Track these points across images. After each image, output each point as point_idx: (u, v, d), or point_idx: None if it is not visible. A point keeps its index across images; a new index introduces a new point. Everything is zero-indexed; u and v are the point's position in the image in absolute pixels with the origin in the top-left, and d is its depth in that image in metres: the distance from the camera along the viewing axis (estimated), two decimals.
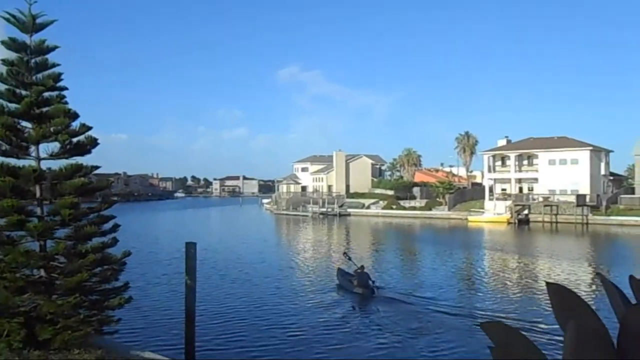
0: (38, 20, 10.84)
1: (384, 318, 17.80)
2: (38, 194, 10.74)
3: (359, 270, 21.72)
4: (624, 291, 1.01)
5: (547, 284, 0.99)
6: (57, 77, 10.91)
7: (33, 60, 10.86)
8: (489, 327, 1.02)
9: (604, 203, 59.57)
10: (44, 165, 10.91)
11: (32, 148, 10.79)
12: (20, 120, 10.78)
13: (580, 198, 59.01)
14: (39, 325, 9.74)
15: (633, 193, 63.25)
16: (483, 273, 29.50)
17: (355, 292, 20.94)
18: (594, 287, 22.55)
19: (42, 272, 10.48)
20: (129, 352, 10.63)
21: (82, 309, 10.41)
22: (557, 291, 0.99)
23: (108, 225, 11.40)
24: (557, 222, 58.91)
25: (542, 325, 15.00)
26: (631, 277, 0.94)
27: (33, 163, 10.73)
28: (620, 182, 72.64)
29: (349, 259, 23.93)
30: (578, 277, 26.79)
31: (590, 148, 64.77)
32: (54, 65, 10.92)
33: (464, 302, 20.21)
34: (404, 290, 21.81)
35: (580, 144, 65.81)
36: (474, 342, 13.79)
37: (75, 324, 9.83)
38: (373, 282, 21.22)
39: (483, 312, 18.21)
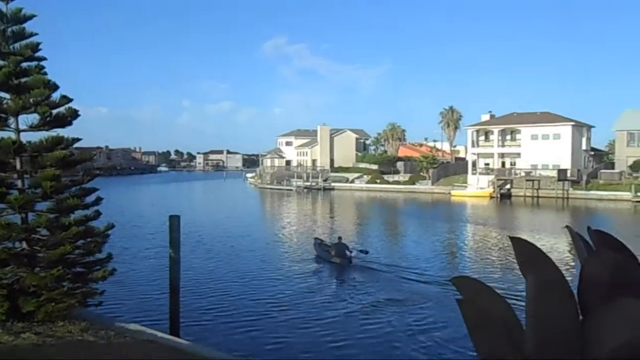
0: None
1: (359, 284, 18.42)
2: (18, 167, 10.61)
3: (336, 241, 22.20)
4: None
5: (511, 238, 1.03)
6: (35, 47, 10.69)
7: (10, 29, 10.61)
8: (458, 281, 1.07)
9: (585, 178, 60.44)
10: (24, 137, 10.76)
11: (11, 120, 10.61)
12: None
13: (562, 173, 59.77)
14: (22, 297, 9.72)
15: (613, 168, 64.21)
16: (463, 245, 29.98)
17: (333, 262, 21.40)
18: (568, 255, 23.00)
19: (24, 245, 10.42)
20: (114, 324, 10.66)
21: (66, 281, 10.39)
22: (520, 245, 1.03)
23: (91, 198, 11.33)
24: (538, 197, 59.70)
25: (518, 287, 15.29)
26: (589, 228, 0.99)
27: (12, 135, 10.57)
28: (601, 157, 73.62)
29: (365, 252, 22.43)
30: (554, 247, 27.31)
31: (572, 123, 65.37)
32: (31, 35, 10.68)
33: (439, 271, 20.67)
34: (384, 261, 22.24)
35: (563, 119, 66.38)
36: (443, 307, 14.35)
37: (58, 296, 9.83)
38: (350, 251, 21.61)
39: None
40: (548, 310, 0.94)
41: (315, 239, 25.01)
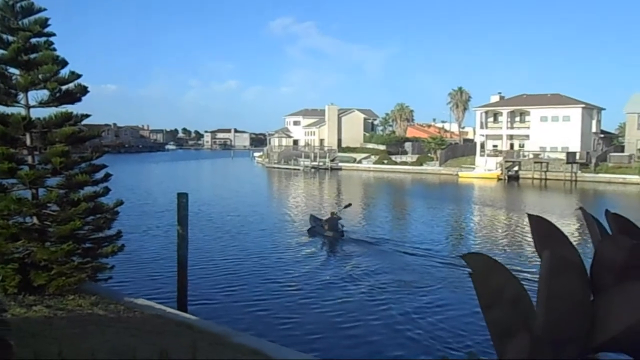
0: None
1: (367, 263, 18.98)
2: (28, 142, 10.69)
3: (330, 216, 23.49)
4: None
5: (529, 215, 1.04)
6: (44, 23, 10.68)
7: (18, 5, 10.59)
8: (470, 257, 1.08)
9: (594, 160, 60.04)
10: (34, 113, 10.81)
11: (21, 95, 10.67)
12: (7, 67, 10.60)
13: (570, 155, 59.37)
14: (34, 271, 9.88)
15: (623, 151, 63.68)
16: (470, 225, 30.00)
17: (326, 235, 22.68)
18: (577, 237, 22.96)
19: (35, 220, 10.55)
20: (123, 299, 10.82)
21: (76, 256, 10.54)
22: (537, 222, 1.04)
23: (99, 175, 11.42)
24: (546, 179, 59.42)
25: (526, 267, 15.17)
26: (606, 211, 1.00)
27: (22, 111, 10.62)
28: (611, 140, 73.00)
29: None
30: (563, 229, 27.21)
31: (583, 105, 64.71)
32: (40, 10, 10.66)
33: (446, 250, 20.84)
34: (389, 239, 22.77)
35: (573, 102, 65.69)
36: (449, 287, 14.60)
37: (69, 271, 9.98)
38: (342, 226, 22.98)
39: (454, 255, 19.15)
40: (561, 288, 0.96)
41: (311, 215, 26.18)
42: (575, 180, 57.57)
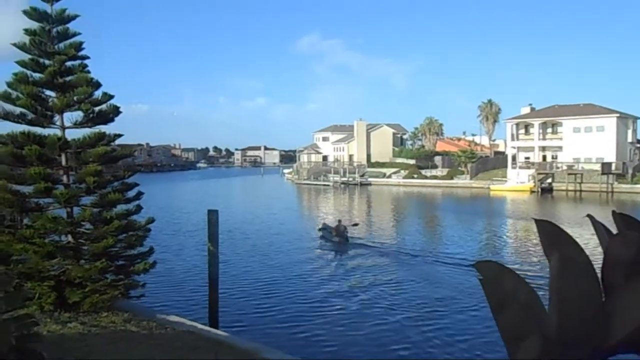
0: None
1: (383, 272, 20.15)
2: (64, 162, 10.99)
3: (338, 224, 26.34)
4: None
5: (535, 220, 1.05)
6: (79, 46, 11.05)
7: (55, 30, 10.99)
8: (480, 265, 1.09)
9: (630, 171, 58.48)
10: (69, 134, 11.14)
11: (57, 117, 11.02)
12: (44, 90, 10.97)
13: (606, 166, 58.00)
14: (69, 288, 10.10)
15: None
16: (501, 239, 29.44)
17: (333, 241, 25.50)
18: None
19: (70, 238, 10.81)
20: (155, 316, 10.95)
21: (109, 273, 10.75)
22: (544, 226, 1.04)
23: (132, 193, 11.65)
24: (581, 191, 58.08)
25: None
26: (613, 212, 1.00)
27: (58, 132, 10.95)
28: None
29: (354, 224, 29.12)
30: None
31: (617, 115, 63.26)
32: (74, 34, 11.05)
33: (470, 259, 20.52)
34: (422, 254, 22.72)
35: (607, 111, 64.30)
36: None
37: (102, 288, 10.17)
38: (347, 232, 25.86)
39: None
40: (571, 289, 0.96)
41: (323, 223, 29.17)
42: (612, 192, 56.13)
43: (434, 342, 12.37)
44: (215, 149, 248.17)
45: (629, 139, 65.58)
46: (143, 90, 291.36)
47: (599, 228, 1.07)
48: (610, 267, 0.98)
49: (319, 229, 27.95)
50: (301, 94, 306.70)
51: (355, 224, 29.17)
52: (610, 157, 60.59)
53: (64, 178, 11.05)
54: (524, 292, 1.04)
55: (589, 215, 1.17)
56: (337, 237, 25.35)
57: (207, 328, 11.03)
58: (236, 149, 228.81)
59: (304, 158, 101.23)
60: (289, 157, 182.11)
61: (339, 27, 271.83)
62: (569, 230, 1.07)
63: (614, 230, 1.02)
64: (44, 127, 10.96)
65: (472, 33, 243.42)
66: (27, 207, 10.61)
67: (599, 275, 1.03)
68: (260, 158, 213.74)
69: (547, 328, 0.99)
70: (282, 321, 13.87)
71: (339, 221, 26.83)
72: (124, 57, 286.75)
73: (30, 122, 10.77)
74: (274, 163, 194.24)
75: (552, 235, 1.03)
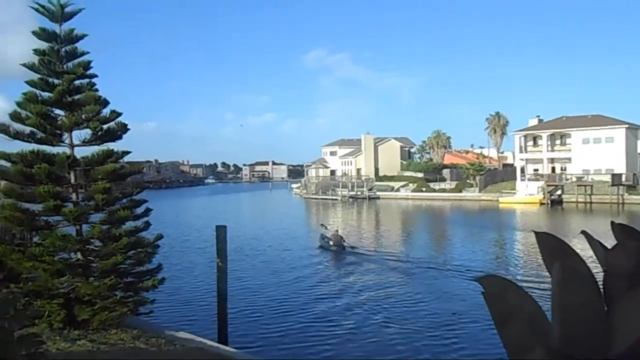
0: (66, 10, 11.07)
1: (350, 264, 23.89)
2: (72, 180, 11.06)
3: (334, 233, 28.71)
4: None
5: (536, 233, 1.05)
6: (87, 65, 11.16)
7: (63, 49, 11.12)
8: (484, 279, 1.09)
9: None
10: (77, 152, 11.22)
11: (66, 135, 11.09)
12: (53, 108, 11.08)
13: (616, 177, 57.63)
14: (78, 306, 10.10)
15: None
16: (512, 252, 29.19)
17: (331, 249, 27.51)
18: None
19: (79, 255, 10.83)
20: (164, 332, 10.93)
21: (118, 290, 10.74)
22: (544, 238, 1.04)
23: (140, 210, 11.69)
24: (591, 203, 57.70)
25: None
26: (612, 223, 1.00)
27: (67, 150, 11.04)
28: None
29: (326, 227, 31.90)
30: None
31: (626, 126, 62.98)
32: (83, 54, 11.17)
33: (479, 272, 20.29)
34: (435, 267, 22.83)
35: (616, 122, 64.04)
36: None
37: (111, 305, 10.16)
38: (344, 241, 27.99)
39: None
40: (572, 299, 0.95)
41: (321, 233, 30.47)
42: (623, 203, 55.72)
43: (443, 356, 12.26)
44: (224, 164, 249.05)
45: (639, 150, 65.18)
46: (151, 108, 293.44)
47: (594, 242, 1.07)
48: (611, 277, 0.97)
49: (320, 239, 29.72)
50: (309, 108, 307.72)
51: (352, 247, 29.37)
52: (620, 168, 60.21)
53: (73, 196, 11.11)
54: (528, 306, 1.04)
55: (583, 232, 1.17)
56: (335, 246, 27.48)
57: (217, 344, 10.98)
58: (244, 165, 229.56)
59: (312, 172, 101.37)
60: (297, 172, 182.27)
61: (345, 41, 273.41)
62: (578, 242, 1.07)
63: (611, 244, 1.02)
64: (53, 145, 11.04)
65: (479, 46, 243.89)
66: (36, 225, 10.67)
67: (601, 286, 1.03)
68: (269, 173, 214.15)
69: (550, 340, 0.98)
70: (291, 337, 13.79)
71: (336, 231, 29.47)
72: (132, 75, 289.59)
73: (39, 141, 10.85)
74: (282, 178, 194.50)
75: (552, 247, 1.03)
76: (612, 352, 0.93)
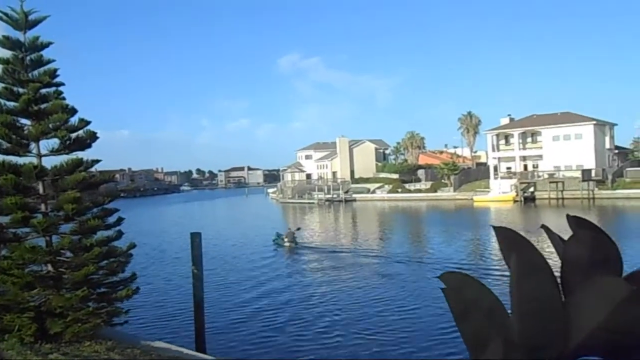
0: (31, 17, 10.85)
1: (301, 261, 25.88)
2: (41, 191, 10.83)
3: (288, 231, 31.11)
4: None
5: (494, 227, 1.05)
6: (53, 73, 10.95)
7: (28, 57, 10.89)
8: (445, 276, 1.09)
9: (610, 177, 59.38)
10: (46, 161, 10.99)
11: (33, 145, 10.86)
12: (19, 118, 10.83)
13: (586, 173, 58.85)
14: (49, 319, 9.88)
15: (639, 166, 62.95)
16: (486, 249, 29.56)
17: (285, 245, 29.96)
18: None
19: (50, 267, 10.60)
20: (139, 342, 10.76)
21: (91, 301, 10.55)
22: (502, 232, 1.04)
23: (112, 219, 11.49)
24: (563, 198, 58.80)
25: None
26: (567, 215, 1.00)
27: (34, 160, 10.80)
28: (626, 155, 72.28)
29: (298, 229, 33.35)
30: None
31: (594, 122, 64.40)
32: (49, 62, 10.95)
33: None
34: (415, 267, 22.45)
35: (584, 119, 65.44)
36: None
37: (84, 317, 9.97)
38: (296, 237, 30.68)
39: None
40: (530, 290, 0.95)
41: (276, 232, 32.80)
42: (593, 198, 56.90)
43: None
44: (199, 171, 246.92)
45: (607, 146, 66.73)
46: (124, 116, 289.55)
47: (553, 235, 1.08)
48: (567, 268, 0.97)
49: (273, 240, 31.66)
50: (285, 112, 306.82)
51: (298, 229, 32.92)
52: (590, 164, 61.51)
53: (42, 206, 10.86)
54: (486, 299, 1.03)
55: (543, 226, 1.17)
56: (288, 242, 29.85)
57: (194, 353, 10.87)
58: (219, 171, 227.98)
59: (287, 177, 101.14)
60: (272, 177, 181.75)
61: (318, 45, 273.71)
62: (546, 237, 1.06)
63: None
64: (20, 155, 10.80)
65: (452, 45, 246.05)
66: (4, 238, 10.41)
67: (559, 277, 1.02)
68: (244, 179, 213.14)
69: (509, 332, 0.98)
70: (270, 341, 13.72)
71: (289, 229, 31.92)
72: (104, 83, 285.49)
73: (5, 151, 10.59)
74: (258, 183, 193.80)
75: (510, 241, 1.02)
76: (570, 342, 0.93)
